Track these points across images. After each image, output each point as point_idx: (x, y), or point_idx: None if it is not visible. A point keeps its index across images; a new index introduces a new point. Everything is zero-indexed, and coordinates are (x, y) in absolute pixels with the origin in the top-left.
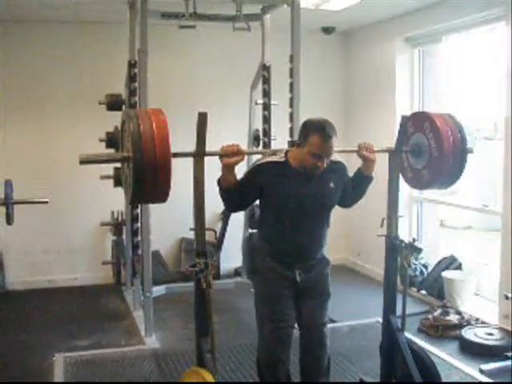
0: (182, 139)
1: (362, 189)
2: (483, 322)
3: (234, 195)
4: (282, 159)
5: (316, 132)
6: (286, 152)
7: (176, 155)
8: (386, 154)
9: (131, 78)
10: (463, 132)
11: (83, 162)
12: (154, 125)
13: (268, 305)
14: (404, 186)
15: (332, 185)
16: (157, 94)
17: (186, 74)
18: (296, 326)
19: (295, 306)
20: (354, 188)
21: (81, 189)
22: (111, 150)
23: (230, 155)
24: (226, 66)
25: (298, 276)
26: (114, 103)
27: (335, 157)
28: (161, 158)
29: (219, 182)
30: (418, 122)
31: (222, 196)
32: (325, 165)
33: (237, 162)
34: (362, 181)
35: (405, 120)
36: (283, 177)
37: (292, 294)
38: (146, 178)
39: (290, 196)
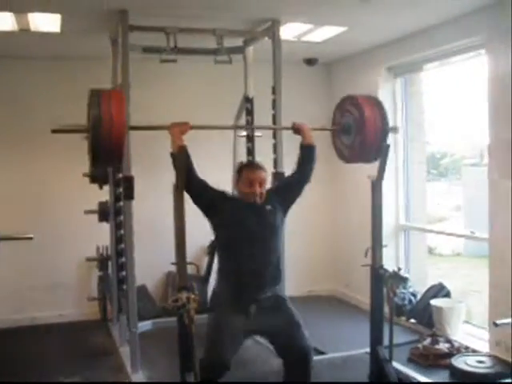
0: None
1: (310, 157)
2: (474, 350)
3: (182, 161)
4: (235, 196)
5: (245, 167)
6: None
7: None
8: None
9: None
10: (384, 112)
11: (55, 131)
12: (112, 105)
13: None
14: (390, 214)
15: (269, 207)
16: None
17: (168, 107)
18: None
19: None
20: (303, 161)
21: (65, 224)
22: (95, 185)
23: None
24: (209, 98)
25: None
26: None
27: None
28: (114, 130)
29: (172, 154)
30: (347, 106)
31: (173, 163)
32: (260, 191)
33: (183, 132)
34: (306, 151)
35: (386, 148)
36: (235, 205)
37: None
38: (101, 145)
39: (238, 221)
